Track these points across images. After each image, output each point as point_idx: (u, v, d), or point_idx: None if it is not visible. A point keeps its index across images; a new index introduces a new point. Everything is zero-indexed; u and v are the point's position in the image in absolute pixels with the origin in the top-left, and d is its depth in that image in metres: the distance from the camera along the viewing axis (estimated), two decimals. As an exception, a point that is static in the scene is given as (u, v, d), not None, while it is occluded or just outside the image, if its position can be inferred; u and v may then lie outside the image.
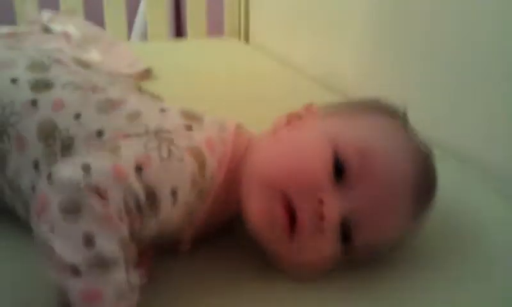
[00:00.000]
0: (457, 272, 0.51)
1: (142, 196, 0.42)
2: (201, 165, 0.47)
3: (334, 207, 0.45)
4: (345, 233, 0.47)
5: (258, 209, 0.47)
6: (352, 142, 0.47)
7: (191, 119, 0.50)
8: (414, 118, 0.54)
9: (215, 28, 1.64)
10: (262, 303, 0.47)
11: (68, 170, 0.40)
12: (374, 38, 0.98)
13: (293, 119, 0.53)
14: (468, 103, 0.76)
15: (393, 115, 0.52)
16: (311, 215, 0.45)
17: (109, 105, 0.50)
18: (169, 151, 0.45)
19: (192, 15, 1.57)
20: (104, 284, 0.38)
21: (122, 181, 0.41)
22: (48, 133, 0.49)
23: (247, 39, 1.60)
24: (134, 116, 0.49)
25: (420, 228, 0.51)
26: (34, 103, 0.51)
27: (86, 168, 0.40)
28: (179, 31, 2.15)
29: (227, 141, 0.50)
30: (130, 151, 0.43)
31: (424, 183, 0.49)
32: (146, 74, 1.10)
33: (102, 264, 0.38)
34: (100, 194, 0.39)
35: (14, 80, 0.53)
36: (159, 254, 0.48)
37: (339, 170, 0.46)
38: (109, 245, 0.39)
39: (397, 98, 0.54)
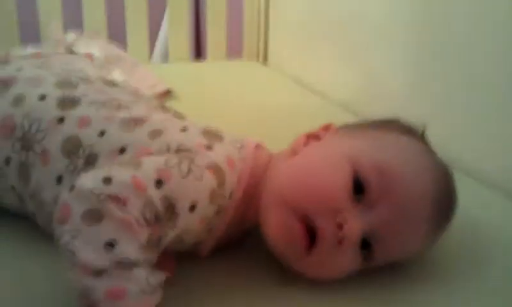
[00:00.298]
0: (474, 286, 0.51)
1: (160, 208, 0.43)
2: (221, 182, 0.48)
3: (354, 230, 0.45)
4: (365, 246, 0.47)
5: (276, 225, 0.48)
6: (371, 161, 0.48)
7: (212, 137, 0.51)
8: (433, 137, 0.55)
9: (234, 50, 1.66)
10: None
11: (90, 182, 0.42)
12: (392, 62, 0.99)
13: (312, 139, 0.54)
14: (488, 122, 0.76)
15: (412, 134, 0.53)
16: (331, 236, 0.46)
17: (133, 123, 0.52)
18: (189, 169, 0.46)
19: (212, 37, 1.60)
20: (127, 282, 0.39)
21: (141, 193, 0.42)
22: (72, 149, 0.51)
23: (266, 61, 1.62)
24: (156, 133, 0.50)
25: (438, 240, 0.52)
26: (60, 120, 0.53)
27: (107, 180, 0.42)
28: (199, 53, 2.18)
29: (247, 159, 0.51)
30: (151, 166, 0.45)
31: (443, 201, 0.49)
32: (168, 95, 1.12)
33: (124, 265, 0.39)
34: (120, 202, 0.41)
35: (42, 97, 0.55)
36: (178, 257, 0.50)
37: (359, 189, 0.47)
38: (130, 248, 0.40)
39: (416, 119, 0.55)
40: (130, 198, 0.41)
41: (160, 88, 1.12)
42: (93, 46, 1.09)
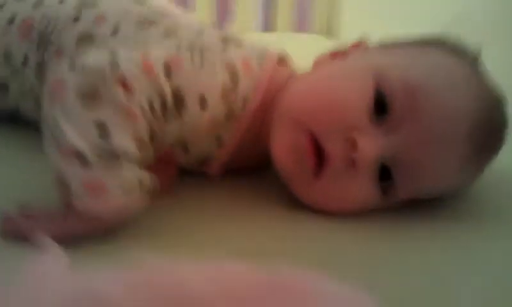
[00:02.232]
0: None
1: (169, 97, 0.39)
2: (234, 80, 0.43)
3: (368, 150, 0.39)
4: (386, 176, 0.40)
5: (283, 142, 0.43)
6: (399, 77, 0.40)
7: (229, 42, 0.46)
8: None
9: (303, 23, 1.62)
10: (284, 239, 0.42)
11: (94, 56, 0.37)
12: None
13: (339, 56, 0.48)
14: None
15: (462, 55, 0.45)
16: (341, 157, 0.39)
17: (148, 22, 0.48)
18: (202, 58, 0.41)
19: (282, 9, 1.56)
20: (110, 177, 0.35)
21: (151, 77, 0.38)
22: (85, 44, 0.48)
23: (334, 35, 1.57)
24: (170, 33, 0.46)
25: (478, 177, 0.44)
26: (76, 19, 0.50)
27: (115, 55, 0.37)
28: (267, 25, 2.15)
29: (266, 69, 0.46)
30: (162, 50, 0.40)
31: (485, 126, 0.41)
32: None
33: (112, 157, 0.35)
34: (126, 85, 0.36)
35: (62, 1, 0.53)
36: (187, 176, 0.46)
37: (382, 109, 0.40)
38: (123, 138, 0.36)
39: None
40: (138, 81, 0.37)
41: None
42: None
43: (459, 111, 0.40)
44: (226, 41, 0.46)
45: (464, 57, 0.45)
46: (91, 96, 0.36)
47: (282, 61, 0.49)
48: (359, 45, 0.49)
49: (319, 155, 0.40)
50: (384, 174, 0.40)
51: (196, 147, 0.44)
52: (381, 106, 0.40)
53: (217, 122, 0.43)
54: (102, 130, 0.35)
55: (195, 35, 0.46)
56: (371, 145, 0.38)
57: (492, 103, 0.43)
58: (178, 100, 0.40)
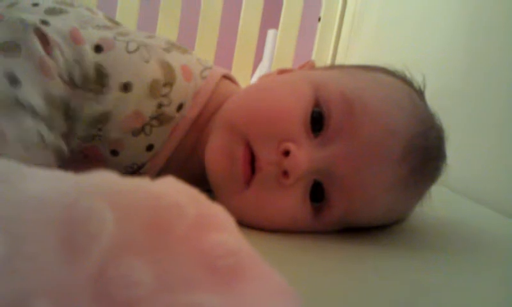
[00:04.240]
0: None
1: (91, 72, 0.38)
2: (168, 80, 0.42)
3: (301, 160, 0.37)
4: (319, 195, 0.39)
5: (217, 148, 0.41)
6: (338, 89, 0.39)
7: (174, 47, 0.46)
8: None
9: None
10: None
11: (25, 15, 0.37)
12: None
13: (284, 72, 0.48)
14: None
15: (404, 79, 0.44)
16: (271, 166, 0.38)
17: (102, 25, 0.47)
18: (138, 48, 0.41)
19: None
20: (11, 127, 0.34)
21: (76, 44, 0.38)
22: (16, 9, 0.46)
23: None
24: (122, 34, 0.45)
25: (417, 201, 0.42)
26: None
27: (44, 22, 0.37)
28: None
29: (209, 80, 0.45)
30: (98, 33, 0.40)
31: (420, 149, 0.39)
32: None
33: (17, 108, 0.34)
34: (47, 40, 0.36)
35: None
36: None
37: (319, 123, 0.39)
38: (33, 93, 0.35)
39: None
40: (60, 45, 0.37)
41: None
42: None
43: (397, 129, 0.38)
44: (171, 46, 0.45)
45: (408, 83, 0.44)
46: (11, 48, 0.35)
47: (228, 77, 0.49)
48: (305, 65, 0.48)
49: (253, 166, 0.39)
50: (318, 194, 0.39)
51: (125, 151, 0.43)
52: (319, 119, 0.39)
53: (145, 120, 0.42)
54: (13, 80, 0.34)
55: (142, 36, 0.45)
56: (304, 155, 0.37)
57: (433, 129, 0.41)
58: (100, 77, 0.39)
